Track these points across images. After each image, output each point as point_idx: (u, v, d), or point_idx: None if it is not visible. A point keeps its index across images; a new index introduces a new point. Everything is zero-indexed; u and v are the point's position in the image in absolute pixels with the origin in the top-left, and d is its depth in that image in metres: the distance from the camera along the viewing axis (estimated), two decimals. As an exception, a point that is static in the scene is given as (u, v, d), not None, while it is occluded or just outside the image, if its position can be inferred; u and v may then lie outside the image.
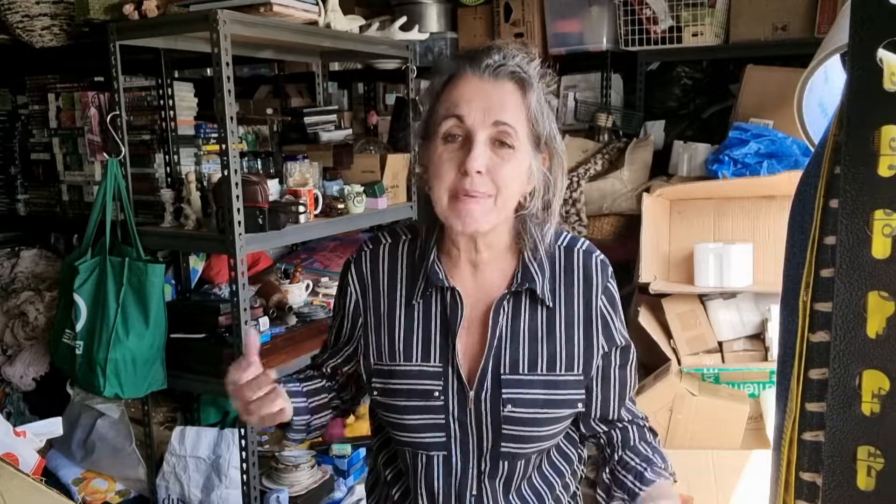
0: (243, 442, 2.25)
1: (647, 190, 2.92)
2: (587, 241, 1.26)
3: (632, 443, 1.25)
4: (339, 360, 1.30)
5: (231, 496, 2.48)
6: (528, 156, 1.12)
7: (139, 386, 2.29)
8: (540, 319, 1.18)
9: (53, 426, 1.79)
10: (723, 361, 2.60)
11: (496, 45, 1.14)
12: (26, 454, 1.62)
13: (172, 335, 2.35)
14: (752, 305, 2.62)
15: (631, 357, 1.25)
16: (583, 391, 1.20)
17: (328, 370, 1.33)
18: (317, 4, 2.37)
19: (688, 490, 2.32)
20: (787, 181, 2.53)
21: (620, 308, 1.24)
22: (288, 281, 2.70)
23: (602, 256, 1.23)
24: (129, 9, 2.22)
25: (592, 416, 1.24)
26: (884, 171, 0.72)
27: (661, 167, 3.19)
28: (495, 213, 1.12)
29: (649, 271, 2.71)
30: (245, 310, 2.18)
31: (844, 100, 0.75)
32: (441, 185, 1.11)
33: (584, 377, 1.19)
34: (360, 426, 2.65)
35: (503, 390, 1.16)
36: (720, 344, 2.63)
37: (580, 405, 1.20)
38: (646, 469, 1.20)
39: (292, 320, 2.50)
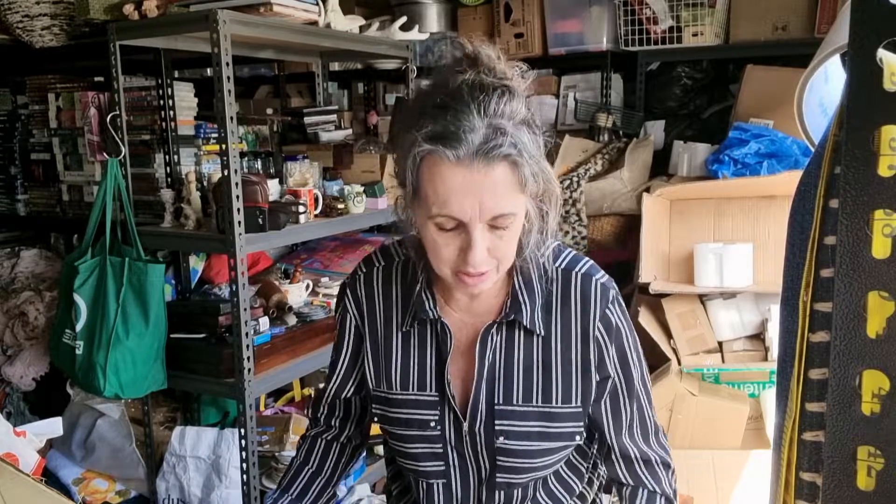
0: (243, 442, 2.25)
1: (647, 190, 2.92)
2: (589, 263, 1.16)
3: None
4: (351, 390, 1.27)
5: (231, 496, 2.48)
6: (523, 209, 1.03)
7: (139, 386, 2.29)
8: (535, 348, 1.12)
9: (53, 426, 1.78)
10: (723, 361, 2.59)
11: (470, 87, 0.96)
12: (26, 454, 1.62)
13: (172, 335, 2.35)
14: (752, 305, 2.62)
15: (637, 387, 1.16)
16: (581, 424, 1.14)
17: (340, 409, 1.29)
18: (317, 4, 2.37)
19: (688, 490, 2.31)
20: (787, 181, 2.53)
21: (625, 334, 1.14)
22: (288, 281, 2.70)
23: (603, 279, 1.14)
24: (129, 9, 2.22)
25: (613, 454, 1.19)
26: (884, 171, 0.72)
27: (661, 167, 3.19)
28: (497, 277, 1.06)
29: (649, 271, 2.71)
30: (245, 310, 2.18)
31: (844, 100, 0.75)
32: (441, 263, 1.03)
33: (584, 408, 1.14)
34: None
35: (496, 421, 1.12)
36: (720, 344, 2.63)
37: (578, 437, 1.15)
38: None
39: (292, 320, 2.50)
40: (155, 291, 2.28)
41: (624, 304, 1.16)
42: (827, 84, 1.18)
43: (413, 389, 1.16)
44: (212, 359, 2.28)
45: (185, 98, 2.66)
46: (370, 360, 1.20)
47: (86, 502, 2.68)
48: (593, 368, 1.13)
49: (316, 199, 2.48)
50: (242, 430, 2.24)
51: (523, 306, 1.10)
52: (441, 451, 1.16)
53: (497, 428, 1.12)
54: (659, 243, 2.79)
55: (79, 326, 2.30)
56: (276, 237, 2.33)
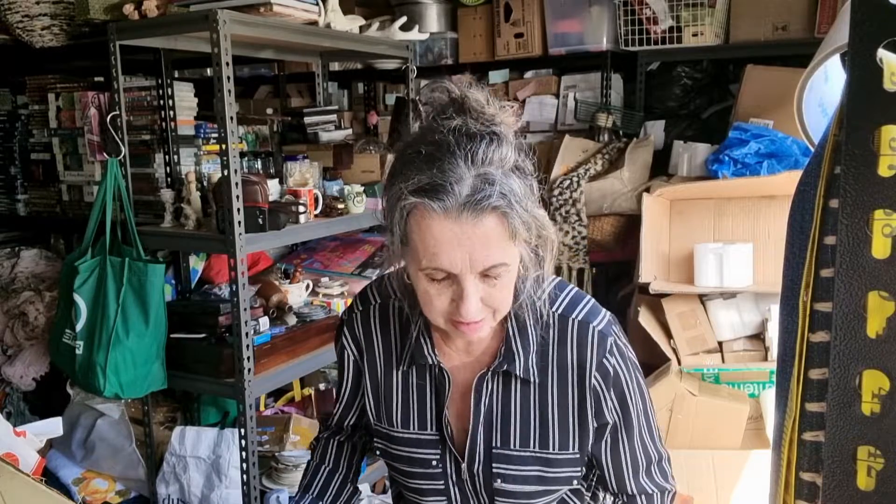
0: (243, 442, 2.25)
1: (647, 190, 2.92)
2: (588, 307, 1.12)
3: None
4: (353, 418, 1.30)
5: (231, 496, 2.48)
6: (517, 256, 1.00)
7: (139, 386, 2.29)
8: (532, 395, 1.11)
9: (53, 426, 1.78)
10: (723, 361, 2.60)
11: (458, 135, 0.94)
12: (26, 454, 1.62)
13: (172, 335, 2.35)
14: (752, 305, 2.62)
15: (638, 425, 1.15)
16: (578, 469, 1.14)
17: (349, 428, 1.33)
18: (317, 4, 2.37)
19: (688, 490, 2.32)
20: (787, 181, 2.53)
21: (624, 378, 1.12)
22: (288, 281, 2.70)
23: (601, 326, 1.10)
24: (129, 9, 2.22)
25: (610, 489, 1.20)
26: (884, 171, 0.72)
27: (661, 167, 3.20)
28: (494, 323, 1.05)
29: (649, 271, 2.71)
30: (245, 310, 2.18)
31: (844, 100, 0.75)
32: (434, 314, 1.02)
33: (581, 454, 1.13)
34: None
35: (494, 464, 1.12)
36: (720, 344, 2.63)
37: (575, 482, 1.16)
38: None
39: (292, 320, 2.50)
40: (155, 291, 2.28)
41: (625, 346, 1.14)
42: (827, 84, 1.18)
43: (414, 428, 1.16)
44: (212, 359, 2.28)
45: (185, 98, 2.66)
46: (370, 396, 1.21)
47: (86, 502, 2.68)
48: (590, 417, 1.12)
49: (316, 199, 2.48)
50: (242, 430, 2.24)
51: (516, 356, 1.08)
52: (443, 487, 1.17)
53: (495, 471, 1.12)
54: (659, 243, 2.79)
55: (79, 326, 2.30)
56: (276, 237, 2.33)
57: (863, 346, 0.75)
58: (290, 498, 1.33)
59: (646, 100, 3.37)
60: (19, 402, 3.07)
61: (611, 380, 1.10)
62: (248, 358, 2.20)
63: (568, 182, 3.03)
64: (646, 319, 2.62)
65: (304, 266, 2.95)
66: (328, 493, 1.29)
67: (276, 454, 2.54)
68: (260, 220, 2.19)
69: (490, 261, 0.95)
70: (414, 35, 2.94)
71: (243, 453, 2.27)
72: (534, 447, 1.12)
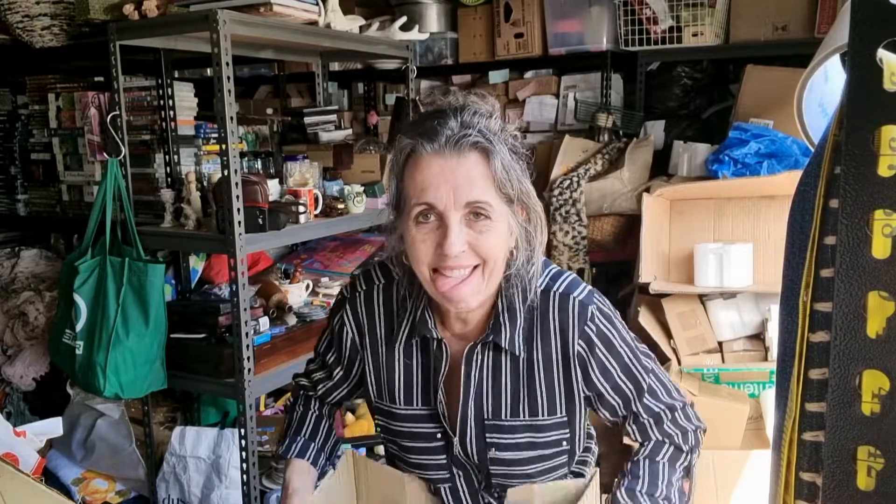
0: (243, 442, 2.25)
1: (647, 190, 2.91)
2: (569, 279, 1.19)
3: (636, 457, 1.24)
4: (345, 392, 1.34)
5: (231, 496, 2.48)
6: (505, 217, 1.09)
7: (139, 386, 2.29)
8: (520, 368, 1.17)
9: (53, 426, 1.79)
10: (723, 361, 2.59)
11: (452, 106, 1.09)
12: (26, 454, 1.62)
13: (172, 335, 2.35)
14: (752, 305, 2.62)
15: (646, 385, 1.21)
16: (566, 431, 1.20)
17: (328, 400, 1.37)
18: (317, 4, 2.37)
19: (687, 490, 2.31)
20: (787, 181, 2.53)
21: (613, 337, 1.18)
22: (288, 281, 2.70)
23: (582, 296, 1.17)
24: (129, 9, 2.22)
25: (623, 420, 1.24)
26: (884, 171, 0.72)
27: (661, 167, 3.19)
28: (485, 288, 1.11)
29: (649, 271, 2.71)
30: (245, 310, 2.18)
31: (844, 100, 0.75)
32: (421, 263, 1.09)
33: (569, 417, 1.19)
34: (360, 426, 2.65)
35: (487, 435, 1.18)
36: (720, 344, 2.63)
37: (565, 443, 1.21)
38: (624, 487, 1.21)
39: (292, 320, 2.50)
40: (155, 291, 2.28)
41: (610, 312, 1.19)
42: (827, 84, 1.18)
43: (417, 404, 1.21)
44: (212, 359, 2.28)
45: (185, 98, 2.66)
46: (371, 374, 1.25)
47: (86, 502, 2.68)
48: (577, 384, 1.18)
49: (316, 199, 2.48)
50: (242, 430, 2.24)
51: (503, 328, 1.15)
52: (444, 461, 1.22)
53: (488, 440, 1.18)
54: (659, 243, 2.79)
55: (79, 326, 2.30)
56: (276, 237, 2.33)
57: (863, 346, 0.75)
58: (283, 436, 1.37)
59: (646, 100, 3.37)
60: (19, 402, 3.07)
61: (595, 346, 1.16)
62: (248, 358, 2.20)
63: (568, 182, 3.03)
64: (646, 319, 2.62)
65: (304, 266, 2.95)
66: (318, 436, 1.34)
67: (277, 454, 2.54)
68: (260, 220, 2.19)
69: (472, 196, 1.05)
70: (414, 35, 2.94)
71: (243, 453, 2.27)
72: (524, 416, 1.18)
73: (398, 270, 1.20)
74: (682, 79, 3.36)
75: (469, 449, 1.19)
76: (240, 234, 2.14)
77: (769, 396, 2.37)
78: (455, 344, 1.20)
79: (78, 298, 2.30)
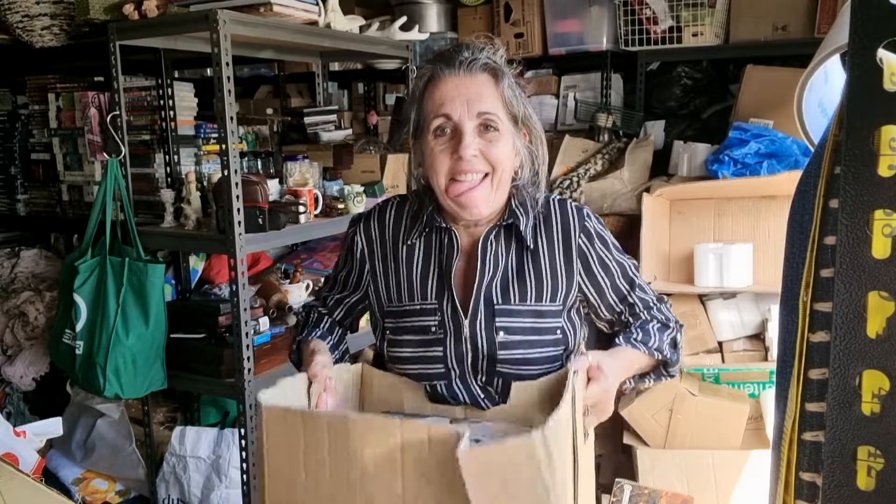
0: (243, 442, 2.25)
1: (647, 190, 2.91)
2: (563, 196, 1.37)
3: (629, 327, 1.37)
4: (344, 307, 1.45)
5: (231, 496, 2.48)
6: (511, 135, 1.26)
7: (139, 386, 2.29)
8: (526, 257, 1.31)
9: (53, 426, 1.79)
10: (723, 361, 2.59)
11: (464, 43, 1.29)
12: (26, 454, 1.63)
13: (172, 335, 2.35)
14: (752, 305, 2.61)
15: (633, 276, 1.36)
16: (560, 319, 1.31)
17: (337, 315, 1.48)
18: (317, 4, 2.37)
19: (688, 490, 2.32)
20: (787, 181, 2.53)
21: (608, 240, 1.35)
22: (288, 281, 2.70)
23: (576, 203, 1.37)
24: (129, 9, 2.22)
25: (619, 315, 1.37)
26: (884, 171, 0.72)
27: (661, 167, 3.19)
28: (495, 195, 1.26)
29: (649, 271, 2.71)
30: (245, 310, 2.18)
31: (844, 100, 0.75)
32: (439, 172, 1.25)
33: (563, 307, 1.32)
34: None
35: (497, 318, 1.28)
36: (720, 344, 2.63)
37: (559, 332, 1.31)
38: (627, 334, 1.33)
39: (292, 320, 2.50)
40: (155, 291, 2.28)
41: (599, 217, 1.38)
42: (827, 84, 1.18)
43: (417, 299, 1.32)
44: (212, 359, 2.28)
45: (185, 98, 2.66)
46: (381, 278, 1.36)
47: (86, 502, 2.68)
48: (577, 274, 1.32)
49: (316, 199, 2.48)
50: (242, 430, 2.24)
51: (521, 216, 1.31)
52: (441, 354, 1.29)
53: (497, 324, 1.28)
54: (659, 243, 2.79)
55: (79, 326, 2.30)
56: (276, 237, 2.33)
57: (863, 346, 0.75)
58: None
59: (646, 100, 3.37)
60: (19, 402, 3.07)
61: (594, 239, 1.33)
62: (248, 358, 2.20)
63: (568, 182, 3.03)
64: (646, 319, 2.62)
65: (304, 266, 2.95)
66: (333, 337, 1.44)
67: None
68: (260, 220, 2.19)
69: (483, 107, 1.23)
70: (414, 35, 2.94)
71: (243, 453, 2.27)
72: (530, 301, 1.30)
73: (412, 195, 1.36)
74: (682, 79, 3.36)
75: (479, 336, 1.28)
76: (240, 234, 2.14)
77: (769, 396, 2.37)
78: (462, 237, 1.33)
79: (78, 298, 2.30)
